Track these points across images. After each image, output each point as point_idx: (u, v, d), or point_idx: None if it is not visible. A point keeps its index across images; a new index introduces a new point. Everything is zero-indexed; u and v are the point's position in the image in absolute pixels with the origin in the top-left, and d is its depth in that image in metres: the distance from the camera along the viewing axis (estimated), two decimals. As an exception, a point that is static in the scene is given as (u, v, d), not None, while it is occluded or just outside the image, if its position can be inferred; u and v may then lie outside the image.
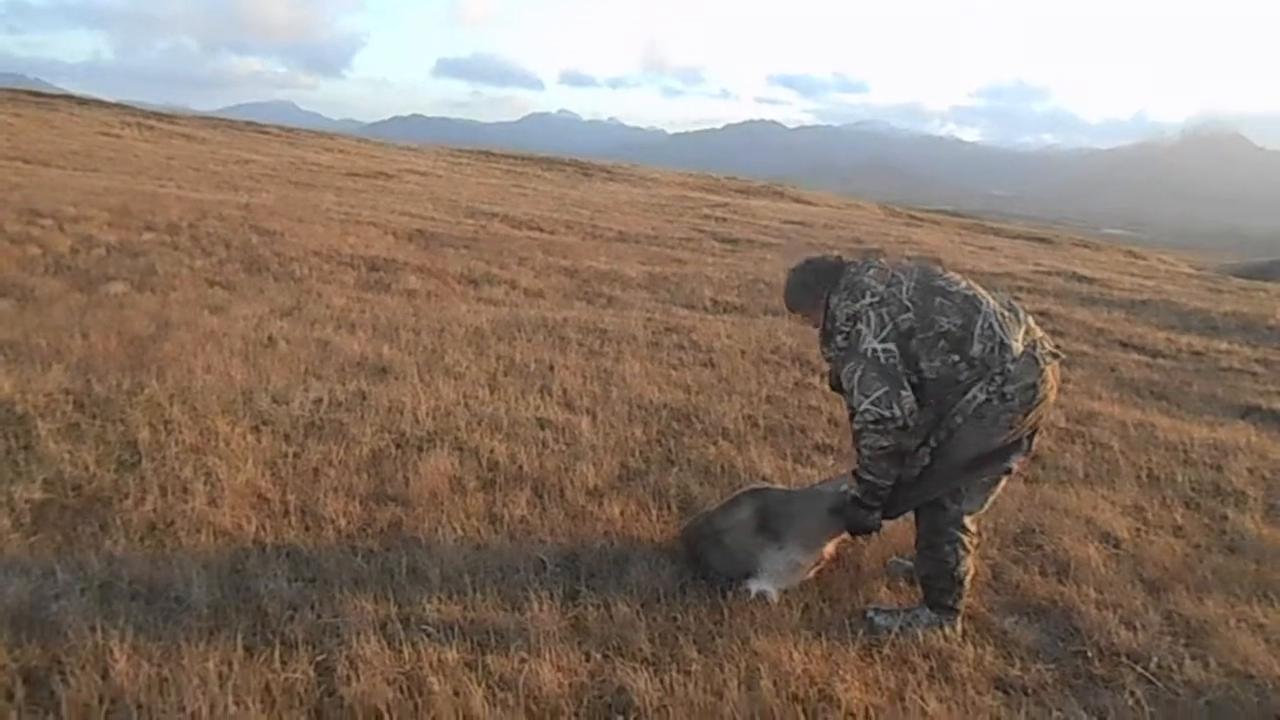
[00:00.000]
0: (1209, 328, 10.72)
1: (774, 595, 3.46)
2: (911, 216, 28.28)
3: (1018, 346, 3.24)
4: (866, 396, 3.16)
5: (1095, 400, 6.93)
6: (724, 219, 19.06)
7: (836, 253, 3.62)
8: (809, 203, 29.22)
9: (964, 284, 3.36)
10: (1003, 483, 3.44)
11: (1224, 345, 9.65)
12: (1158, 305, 11.79)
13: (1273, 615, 3.64)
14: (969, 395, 3.21)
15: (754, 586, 3.48)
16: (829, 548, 3.67)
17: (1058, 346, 3.42)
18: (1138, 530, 4.43)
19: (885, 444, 3.19)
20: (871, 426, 3.17)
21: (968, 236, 22.99)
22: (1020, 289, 12.22)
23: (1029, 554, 4.07)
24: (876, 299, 3.26)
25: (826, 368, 3.47)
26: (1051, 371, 3.28)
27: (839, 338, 3.32)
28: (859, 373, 3.19)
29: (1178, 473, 5.33)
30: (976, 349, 3.20)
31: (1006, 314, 3.30)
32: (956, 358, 3.19)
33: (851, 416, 3.26)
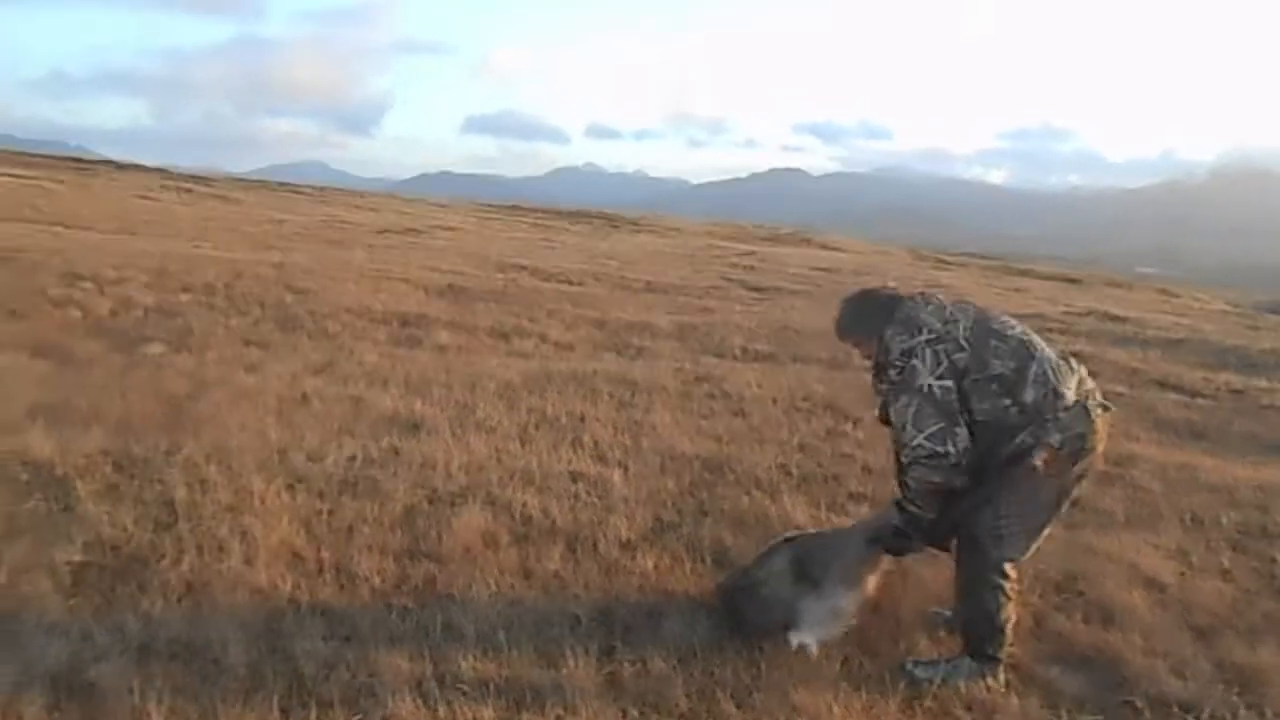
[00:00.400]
0: (1247, 365, 10.57)
1: (814, 647, 3.41)
2: (939, 260, 28.25)
3: (1070, 395, 3.23)
4: (921, 431, 3.15)
5: (1134, 442, 6.82)
6: (751, 267, 19.13)
7: (894, 285, 3.62)
8: (837, 249, 29.28)
9: (1019, 328, 3.36)
10: (1046, 531, 3.39)
11: (1264, 383, 9.50)
12: (1194, 343, 11.65)
13: (1327, 662, 3.54)
14: (1018, 440, 3.19)
15: (795, 639, 3.42)
16: (871, 583, 3.60)
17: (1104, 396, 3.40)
18: (1183, 575, 4.33)
19: (936, 479, 3.19)
20: (924, 461, 3.17)
21: (996, 279, 22.91)
22: (1052, 330, 12.12)
23: (1072, 601, 3.99)
24: (933, 336, 3.25)
25: (878, 400, 3.45)
26: (1102, 423, 3.27)
27: (892, 372, 3.30)
28: (914, 408, 3.19)
29: (1222, 515, 5.22)
30: (1030, 395, 3.19)
31: (1061, 363, 3.31)
32: (1008, 401, 3.18)
33: (900, 450, 3.26)
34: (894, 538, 3.45)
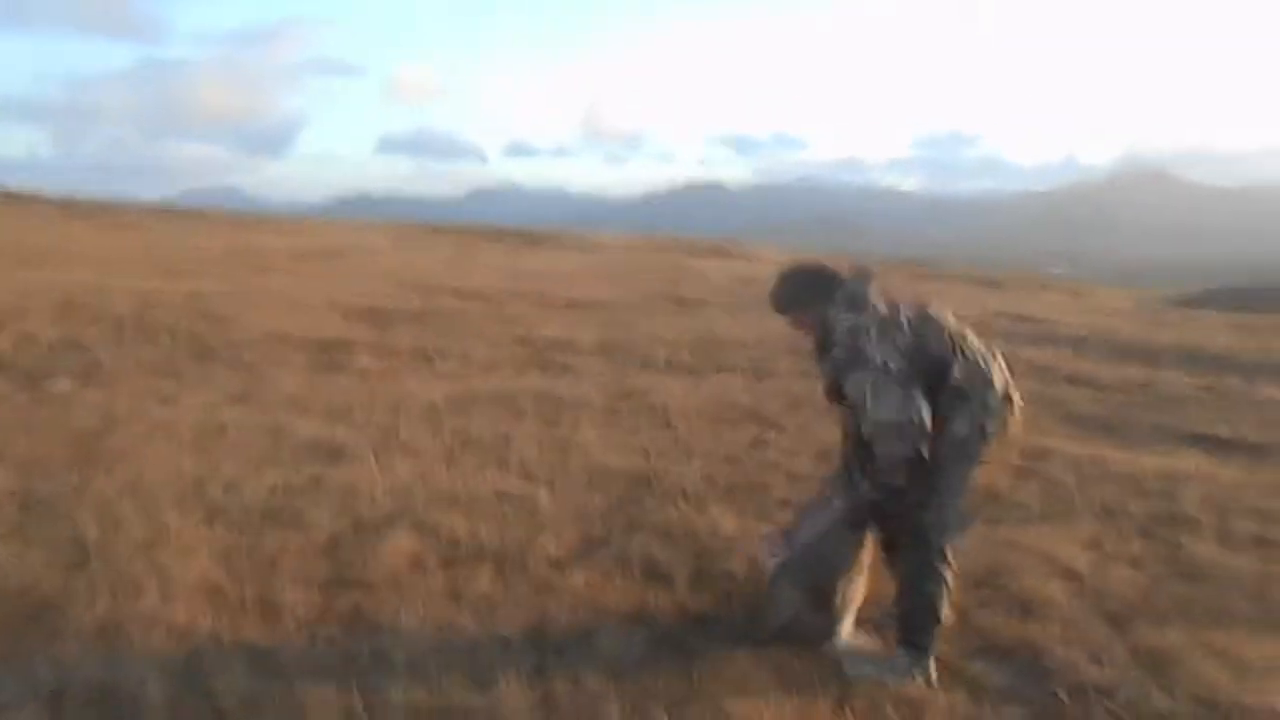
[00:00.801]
0: (1152, 358, 10.98)
1: (861, 666, 3.43)
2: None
3: (998, 383, 3.34)
4: (882, 405, 3.19)
5: (1047, 437, 7.03)
6: (673, 280, 19.23)
7: (830, 263, 3.62)
8: (756, 259, 29.61)
9: (950, 317, 3.45)
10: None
11: (1168, 374, 9.88)
12: (1100, 340, 12.07)
13: (1232, 641, 3.69)
14: (954, 427, 3.27)
15: (847, 664, 3.44)
16: (867, 559, 3.68)
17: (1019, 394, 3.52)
18: (1097, 564, 4.48)
19: (902, 449, 3.22)
20: (890, 432, 3.19)
21: (914, 284, 23.41)
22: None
23: (994, 595, 4.09)
24: (879, 316, 3.30)
25: (824, 378, 3.46)
26: (1019, 410, 3.40)
27: (838, 350, 3.33)
28: (871, 383, 3.21)
29: (1131, 504, 5.41)
30: (964, 382, 3.28)
31: (985, 351, 3.42)
32: (945, 387, 3.27)
33: (862, 425, 3.28)
34: (870, 509, 3.45)
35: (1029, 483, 5.75)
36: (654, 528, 4.70)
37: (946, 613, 3.43)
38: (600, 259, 25.16)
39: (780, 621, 3.59)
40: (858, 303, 3.34)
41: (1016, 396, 3.41)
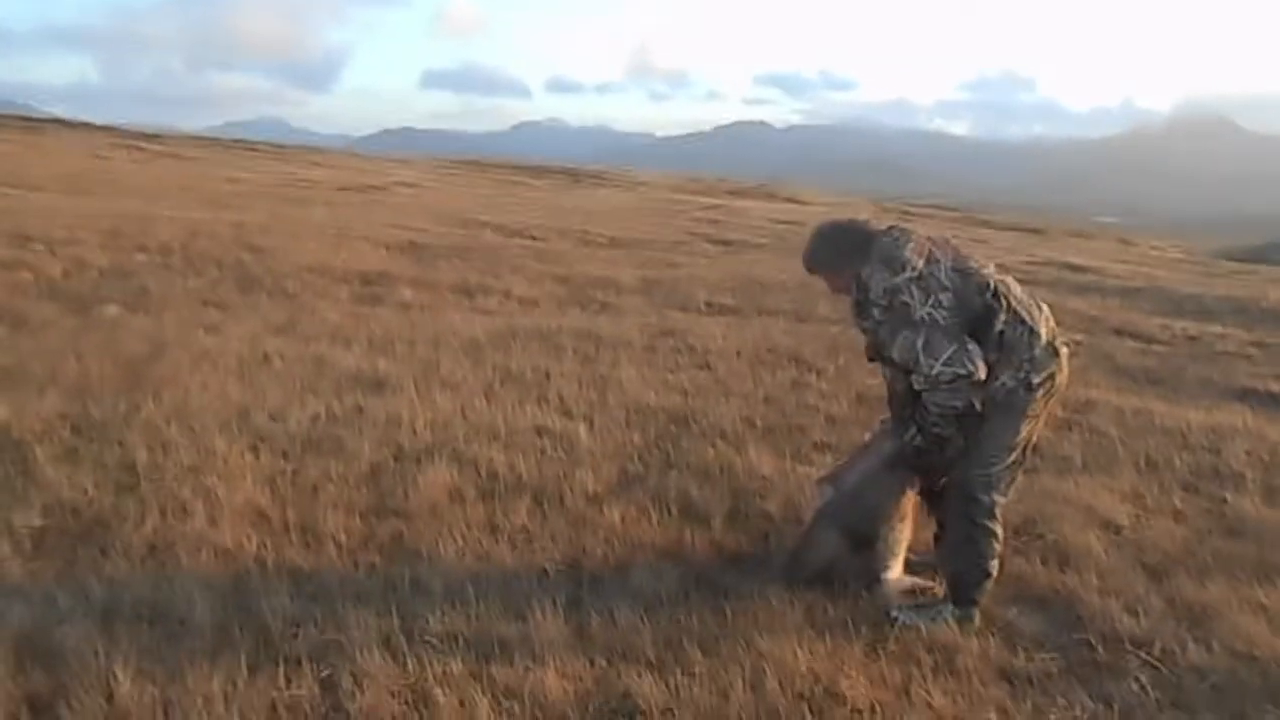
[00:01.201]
0: (1203, 312, 10.75)
1: (907, 615, 3.40)
2: (904, 212, 28.36)
3: (1043, 334, 3.27)
4: (937, 359, 3.13)
5: (1092, 388, 6.93)
6: (716, 221, 19.09)
7: (865, 218, 3.53)
8: (801, 202, 29.29)
9: (992, 268, 3.36)
10: (1021, 470, 3.44)
11: (1218, 329, 9.69)
12: (1151, 292, 11.83)
13: (1274, 596, 3.64)
14: (1000, 381, 3.22)
15: (894, 612, 3.41)
16: (910, 505, 3.65)
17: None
18: (1137, 517, 4.43)
19: (957, 403, 3.19)
20: (945, 386, 3.15)
21: (960, 229, 23.02)
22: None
23: (1030, 544, 4.06)
24: (916, 274, 3.20)
25: (865, 335, 3.41)
26: (1066, 361, 3.33)
27: (876, 310, 3.26)
28: (921, 338, 3.15)
29: (1176, 458, 5.33)
30: (1008, 334, 3.21)
31: (1029, 302, 3.34)
32: (988, 341, 3.20)
33: (915, 381, 3.23)
34: (914, 456, 3.43)
35: (1072, 433, 5.68)
36: (691, 466, 4.72)
37: (997, 564, 3.41)
38: (643, 197, 25.00)
39: (819, 563, 3.59)
40: (894, 261, 3.24)
41: (1064, 350, 3.34)
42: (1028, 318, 3.26)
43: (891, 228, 3.41)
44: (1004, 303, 3.25)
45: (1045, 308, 3.40)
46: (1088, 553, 3.96)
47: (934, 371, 3.14)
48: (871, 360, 3.46)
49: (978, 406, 3.22)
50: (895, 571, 3.61)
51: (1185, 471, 5.13)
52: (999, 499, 3.36)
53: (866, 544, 3.55)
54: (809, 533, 3.70)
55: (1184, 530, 4.31)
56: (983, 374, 3.15)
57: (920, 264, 3.23)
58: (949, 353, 3.13)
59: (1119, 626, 3.38)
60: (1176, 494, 4.77)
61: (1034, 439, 3.45)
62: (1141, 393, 7.13)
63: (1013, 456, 3.33)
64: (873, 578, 3.55)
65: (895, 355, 3.26)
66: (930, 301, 3.17)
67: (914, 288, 3.19)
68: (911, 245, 3.29)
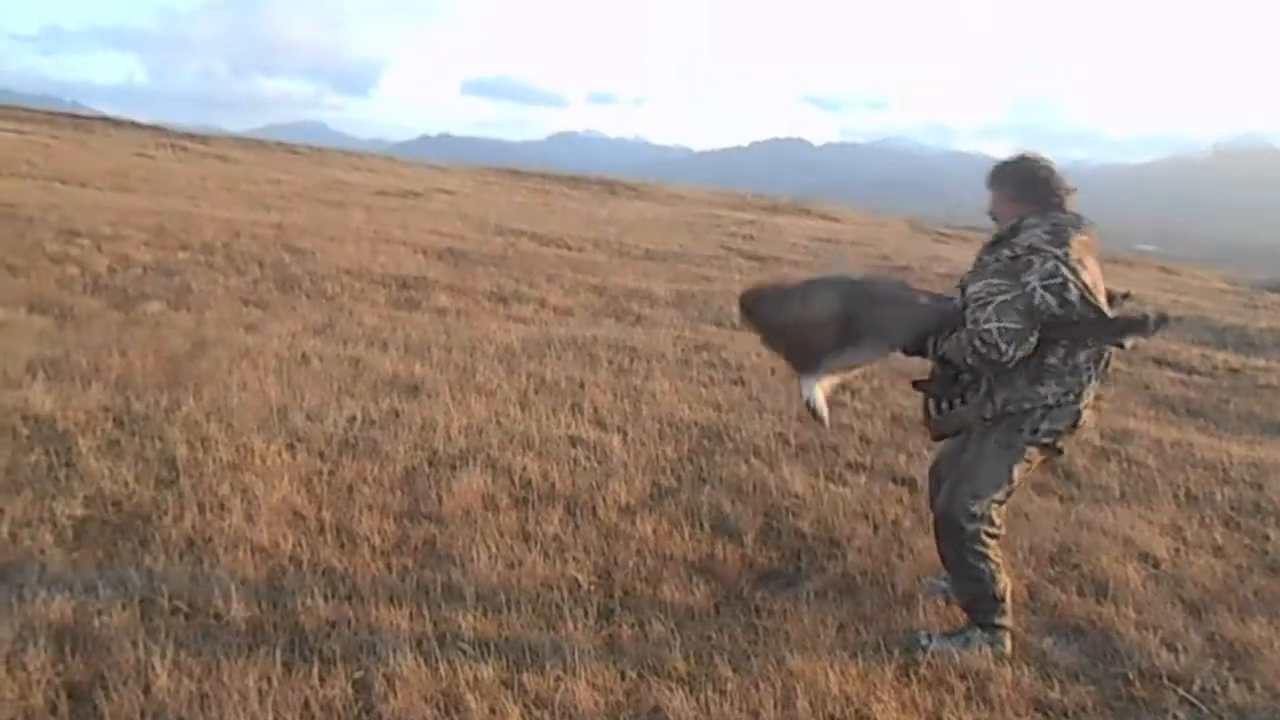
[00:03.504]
0: (1245, 344, 10.59)
1: (820, 407, 3.40)
2: (939, 233, 28.13)
3: (1082, 405, 3.27)
4: (998, 320, 3.10)
5: (1130, 418, 6.85)
6: (751, 236, 19.04)
7: (1069, 185, 3.37)
8: (835, 220, 29.15)
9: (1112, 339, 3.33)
10: (1004, 505, 3.39)
11: (1261, 362, 9.52)
12: (1192, 322, 11.65)
13: (1318, 638, 3.58)
14: (1030, 406, 3.23)
15: (808, 393, 3.39)
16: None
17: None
18: (1177, 550, 4.37)
19: (972, 362, 3.18)
20: (979, 345, 3.12)
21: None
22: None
23: (1066, 574, 4.02)
24: (1065, 256, 3.12)
25: (975, 266, 3.36)
26: (1084, 423, 3.34)
27: (1007, 252, 3.21)
28: (1006, 296, 3.11)
29: (1216, 491, 5.25)
30: (1054, 371, 3.21)
31: (1094, 376, 3.31)
32: (1061, 356, 3.21)
33: (966, 317, 3.20)
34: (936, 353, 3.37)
35: (1109, 463, 5.61)
36: (724, 481, 4.71)
37: (1005, 584, 3.36)
38: (679, 210, 25.03)
39: (802, 319, 3.46)
40: (1059, 235, 3.17)
41: (1087, 414, 3.31)
42: (1079, 388, 3.24)
43: (1079, 216, 3.29)
44: (1078, 363, 3.22)
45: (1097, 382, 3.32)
46: (1125, 585, 3.91)
47: (985, 325, 3.11)
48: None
49: (987, 371, 3.21)
50: (818, 385, 3.48)
51: (1226, 506, 5.05)
52: (986, 526, 3.31)
53: (852, 341, 3.42)
54: (811, 286, 3.60)
55: (1224, 566, 4.24)
56: (1010, 363, 3.12)
57: (1073, 255, 3.15)
58: (1011, 327, 3.09)
59: (1157, 661, 3.33)
60: (1217, 529, 4.70)
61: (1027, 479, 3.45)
62: (1181, 424, 7.03)
63: (1001, 493, 3.31)
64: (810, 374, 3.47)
65: (972, 289, 3.22)
66: (1045, 286, 3.10)
67: (1053, 264, 3.11)
68: (1081, 239, 3.21)
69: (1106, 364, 3.30)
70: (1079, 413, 3.26)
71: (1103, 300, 3.20)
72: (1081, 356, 3.21)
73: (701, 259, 14.65)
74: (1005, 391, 3.23)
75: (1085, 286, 3.12)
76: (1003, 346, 3.09)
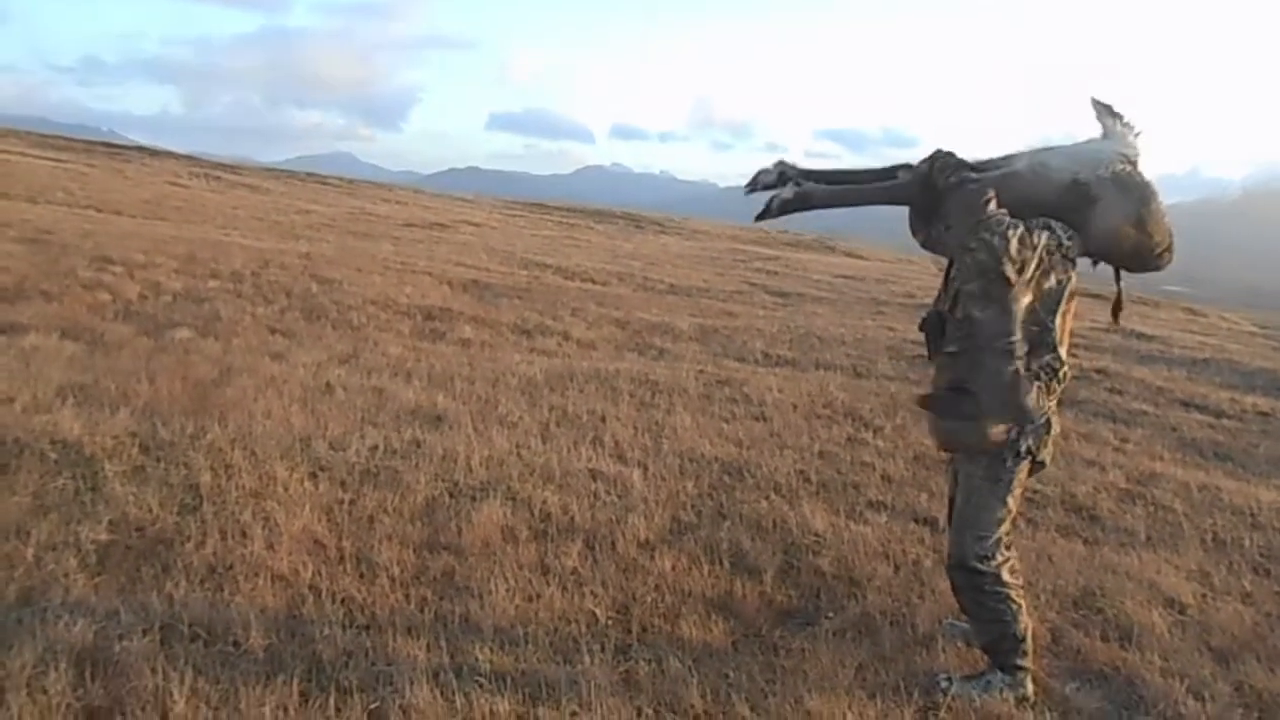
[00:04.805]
0: (1275, 388, 10.45)
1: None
2: (964, 271, 28.05)
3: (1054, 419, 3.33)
4: (979, 308, 3.21)
5: (1156, 461, 6.78)
6: (775, 272, 19.10)
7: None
8: (860, 257, 29.17)
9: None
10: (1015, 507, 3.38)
11: (1291, 406, 9.40)
12: (1220, 364, 11.54)
13: (1349, 689, 3.50)
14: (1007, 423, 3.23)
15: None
16: None
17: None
18: (1204, 596, 4.30)
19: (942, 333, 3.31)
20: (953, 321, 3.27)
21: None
22: (1076, 345, 12.02)
23: (1089, 617, 3.96)
24: (1066, 274, 3.28)
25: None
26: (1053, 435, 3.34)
27: (997, 240, 3.22)
28: (987, 285, 3.20)
29: (1245, 537, 5.18)
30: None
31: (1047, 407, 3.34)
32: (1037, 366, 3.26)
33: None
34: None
35: (1135, 506, 5.55)
36: (744, 518, 4.69)
37: (1025, 624, 3.32)
38: (703, 246, 25.12)
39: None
40: (1067, 252, 3.27)
41: (1057, 428, 3.33)
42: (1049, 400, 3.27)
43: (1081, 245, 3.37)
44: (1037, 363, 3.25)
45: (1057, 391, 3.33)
46: (1150, 630, 3.85)
47: (971, 312, 3.21)
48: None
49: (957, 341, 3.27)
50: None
51: (1255, 552, 4.98)
52: (1000, 563, 3.28)
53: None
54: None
55: (1253, 614, 4.17)
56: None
57: (1073, 277, 3.30)
58: (993, 313, 3.17)
59: (1183, 710, 3.28)
60: (1246, 575, 4.63)
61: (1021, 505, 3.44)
62: (1209, 468, 6.94)
63: (1004, 528, 3.30)
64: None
65: (963, 267, 3.27)
66: (1033, 288, 3.20)
67: (1046, 274, 3.23)
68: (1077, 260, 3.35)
69: (1052, 371, 3.28)
70: (1049, 422, 3.27)
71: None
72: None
73: (725, 294, 14.69)
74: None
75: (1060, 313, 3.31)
76: (985, 336, 3.20)
